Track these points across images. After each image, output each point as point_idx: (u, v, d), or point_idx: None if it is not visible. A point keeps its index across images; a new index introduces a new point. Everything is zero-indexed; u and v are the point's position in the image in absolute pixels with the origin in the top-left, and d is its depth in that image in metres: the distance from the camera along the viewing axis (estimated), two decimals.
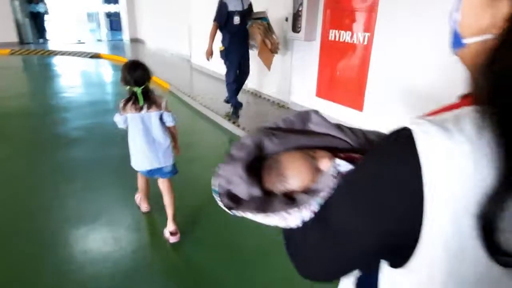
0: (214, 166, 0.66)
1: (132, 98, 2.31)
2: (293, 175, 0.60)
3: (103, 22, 17.84)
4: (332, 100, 4.69)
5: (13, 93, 6.36)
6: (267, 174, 0.62)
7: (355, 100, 4.38)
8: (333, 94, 4.67)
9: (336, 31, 4.47)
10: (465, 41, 0.50)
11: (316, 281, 0.60)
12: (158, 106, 2.37)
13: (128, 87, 2.30)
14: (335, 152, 0.63)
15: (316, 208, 0.57)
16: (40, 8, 13.77)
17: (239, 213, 0.60)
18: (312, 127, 0.68)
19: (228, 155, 0.64)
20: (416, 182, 0.43)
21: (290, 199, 0.59)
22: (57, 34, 15.56)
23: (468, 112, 0.44)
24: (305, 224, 0.58)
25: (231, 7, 4.53)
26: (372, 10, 3.96)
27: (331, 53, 4.63)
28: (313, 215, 0.57)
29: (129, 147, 2.44)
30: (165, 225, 2.57)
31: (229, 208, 0.60)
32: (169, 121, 2.41)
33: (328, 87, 4.74)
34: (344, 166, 0.60)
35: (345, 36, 4.36)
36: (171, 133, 2.51)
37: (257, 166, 0.64)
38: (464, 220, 0.41)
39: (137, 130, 2.35)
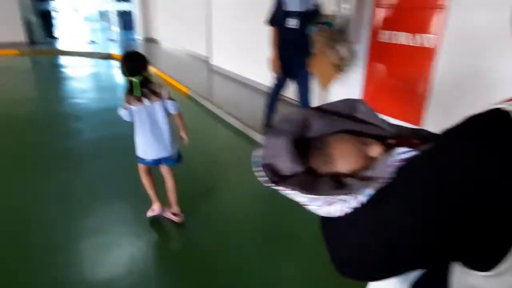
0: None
1: (134, 89, 2.25)
2: (340, 156, 0.55)
3: (115, 21, 17.38)
4: (380, 112, 4.05)
5: (20, 98, 5.83)
6: (313, 154, 0.57)
7: (412, 113, 3.74)
8: (382, 104, 4.03)
9: (390, 32, 3.84)
10: None
11: (354, 280, 0.54)
12: (159, 96, 2.33)
13: (129, 79, 2.25)
14: (384, 140, 0.57)
15: (365, 198, 0.52)
16: (48, 5, 13.34)
17: (279, 188, 0.55)
18: (359, 115, 0.62)
19: (274, 128, 0.57)
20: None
21: (338, 184, 0.53)
22: (68, 33, 15.13)
23: None
24: (353, 214, 0.52)
25: (289, 7, 3.70)
26: (440, 7, 3.32)
27: (382, 57, 3.98)
28: (359, 206, 0.52)
29: (135, 138, 2.42)
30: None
31: (272, 182, 0.54)
32: (172, 109, 2.40)
33: (376, 96, 4.11)
34: (406, 153, 0.52)
35: (402, 37, 3.73)
36: (178, 121, 2.50)
37: (301, 144, 0.57)
38: None
39: (143, 122, 2.34)
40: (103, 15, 19.31)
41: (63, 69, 8.82)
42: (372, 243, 0.48)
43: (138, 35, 13.69)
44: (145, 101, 2.29)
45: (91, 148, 3.97)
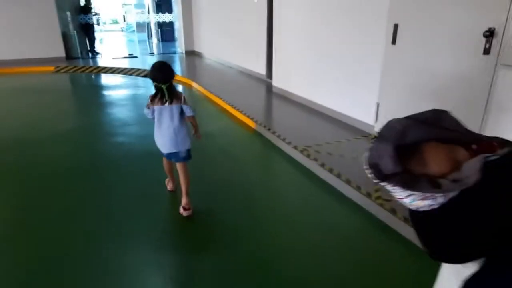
0: None
1: (158, 94, 2.65)
2: (433, 160, 0.64)
3: (155, 32, 16.60)
4: None
5: (47, 134, 4.73)
6: (410, 158, 0.65)
7: None
8: None
9: None
10: None
11: (449, 263, 0.69)
12: (178, 100, 2.69)
13: (155, 83, 2.63)
14: (468, 146, 0.65)
15: (453, 195, 0.61)
16: (90, 19, 12.60)
17: (383, 184, 0.65)
18: (445, 124, 0.67)
19: (380, 135, 0.67)
20: None
21: (434, 183, 0.62)
22: (107, 46, 14.41)
23: None
24: (445, 209, 0.62)
25: None
26: None
27: None
28: (446, 201, 0.62)
29: (154, 134, 2.80)
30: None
31: (378, 179, 0.65)
32: (188, 112, 2.74)
33: None
34: (489, 157, 0.62)
35: None
36: (192, 122, 2.87)
37: (400, 149, 0.65)
38: None
39: (161, 120, 2.71)
40: (144, 27, 18.65)
41: (99, 90, 7.77)
42: (464, 232, 0.61)
43: (180, 47, 12.67)
44: (166, 103, 2.65)
45: (132, 220, 2.70)
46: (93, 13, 12.92)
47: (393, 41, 3.71)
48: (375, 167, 0.65)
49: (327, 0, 4.81)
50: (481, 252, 0.63)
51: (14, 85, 8.00)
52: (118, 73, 9.29)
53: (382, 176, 0.64)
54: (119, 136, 4.72)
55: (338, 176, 3.19)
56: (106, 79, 9.04)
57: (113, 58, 11.50)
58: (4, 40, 10.15)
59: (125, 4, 23.43)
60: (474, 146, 0.64)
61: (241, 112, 5.26)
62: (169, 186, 3.23)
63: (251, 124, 4.88)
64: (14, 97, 6.84)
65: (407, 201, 0.64)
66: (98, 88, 8.09)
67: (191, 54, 12.05)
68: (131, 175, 3.55)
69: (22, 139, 4.54)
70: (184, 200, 2.83)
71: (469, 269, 0.65)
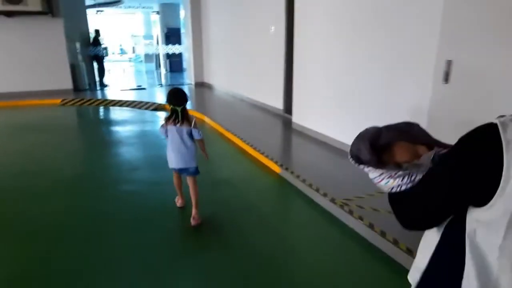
0: None
1: (173, 116, 3.03)
2: (399, 152, 0.94)
3: (164, 63, 16.46)
4: None
5: (48, 183, 4.23)
6: (383, 152, 0.96)
7: None
8: None
9: None
10: None
11: (417, 230, 0.89)
12: (189, 123, 3.05)
13: (171, 106, 3.01)
14: (427, 145, 0.95)
15: (416, 177, 0.90)
16: (99, 51, 12.43)
17: (363, 167, 0.98)
18: (413, 132, 0.98)
19: (358, 135, 0.99)
20: (498, 153, 0.69)
21: (398, 167, 0.94)
22: (115, 77, 14.20)
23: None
24: (412, 187, 0.90)
25: None
26: None
27: None
28: (409, 182, 0.90)
29: (167, 150, 3.18)
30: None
31: (357, 163, 0.98)
32: (196, 135, 3.08)
33: None
34: (440, 151, 0.91)
35: None
36: (200, 144, 3.18)
37: (375, 146, 0.96)
38: None
39: (173, 139, 3.08)
40: (152, 57, 18.57)
41: (105, 127, 7.32)
42: (428, 201, 0.84)
43: (189, 79, 12.38)
44: (178, 125, 3.03)
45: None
46: (103, 45, 12.77)
47: (445, 79, 3.23)
48: (356, 157, 0.98)
49: (358, 35, 4.39)
50: (435, 220, 0.86)
51: (17, 120, 7.60)
52: (126, 106, 8.90)
53: (361, 161, 0.97)
54: (128, 184, 4.19)
55: (395, 243, 2.63)
56: (113, 113, 8.65)
57: (121, 90, 11.19)
58: (11, 71, 9.89)
59: (134, 35, 23.56)
60: (431, 145, 0.94)
61: (262, 153, 4.75)
62: (179, 203, 3.53)
63: (275, 168, 4.36)
64: (15, 135, 6.40)
65: (383, 183, 0.95)
66: (104, 123, 7.66)
67: (201, 86, 11.73)
68: (144, 240, 3.00)
69: (19, 189, 4.03)
70: (193, 211, 3.19)
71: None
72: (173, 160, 3.13)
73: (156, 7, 17.08)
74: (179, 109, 2.99)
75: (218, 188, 3.99)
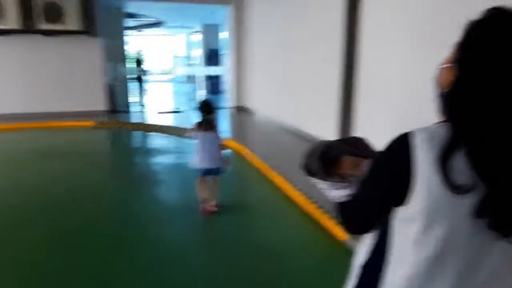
0: None
1: (203, 123, 3.51)
2: (345, 165, 1.07)
3: (203, 85, 15.93)
4: None
5: (62, 233, 3.40)
6: (332, 165, 1.07)
7: None
8: None
9: None
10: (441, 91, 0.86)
11: (358, 234, 1.03)
12: (215, 130, 3.57)
13: (202, 114, 3.52)
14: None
15: (355, 187, 0.99)
16: (141, 71, 12.01)
17: (311, 178, 1.10)
18: (360, 146, 1.12)
19: (311, 149, 1.11)
20: (409, 156, 0.80)
21: (341, 179, 1.06)
22: (153, 98, 13.76)
23: (435, 124, 0.85)
24: (350, 196, 1.00)
25: None
26: None
27: None
28: (353, 191, 1.00)
29: (196, 154, 3.57)
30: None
31: (309, 175, 1.10)
32: (218, 141, 3.58)
33: None
34: None
35: None
36: (221, 147, 3.64)
37: (326, 158, 1.08)
38: (432, 169, 0.77)
39: (203, 143, 3.51)
40: (191, 79, 18.19)
41: (136, 156, 6.54)
42: (361, 204, 0.96)
43: (229, 102, 11.60)
44: (207, 130, 3.51)
45: None
46: (144, 67, 12.38)
47: None
48: (307, 168, 1.10)
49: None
50: (370, 221, 0.96)
51: (43, 144, 7.02)
52: (161, 132, 8.16)
53: (312, 173, 1.09)
54: (165, 244, 3.26)
55: None
56: (146, 139, 7.94)
57: (158, 113, 10.58)
58: (46, 91, 9.55)
59: (176, 57, 23.53)
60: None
61: (318, 207, 3.67)
62: (211, 206, 3.74)
63: (339, 233, 3.23)
64: (36, 163, 5.74)
65: (331, 194, 1.07)
66: (135, 152, 6.88)
67: (241, 110, 10.89)
68: None
69: (24, 242, 3.21)
70: (214, 202, 3.73)
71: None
72: (205, 161, 3.56)
73: (197, 28, 16.74)
74: (209, 118, 3.50)
75: (258, 260, 2.96)
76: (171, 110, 10.99)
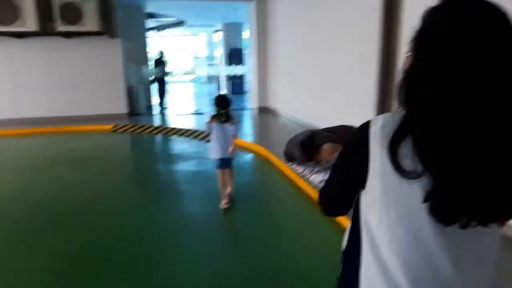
0: None
1: (218, 115, 3.72)
2: (325, 152, 1.12)
3: (224, 85, 15.54)
4: None
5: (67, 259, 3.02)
6: (314, 151, 1.15)
7: None
8: None
9: None
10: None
11: (334, 216, 1.42)
12: (231, 121, 3.78)
13: (217, 108, 3.73)
14: None
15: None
16: (159, 72, 11.73)
17: (292, 165, 1.19)
18: (347, 133, 1.08)
19: (294, 136, 1.19)
20: (366, 143, 0.82)
21: (318, 164, 1.15)
22: (174, 99, 13.48)
23: (391, 112, 0.85)
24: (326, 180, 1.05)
25: None
26: None
27: None
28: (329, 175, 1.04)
29: (211, 144, 3.83)
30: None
31: (289, 161, 1.19)
32: (232, 130, 3.78)
33: None
34: None
35: None
36: (232, 139, 3.81)
37: (309, 145, 1.17)
38: (384, 155, 0.78)
39: (217, 134, 3.73)
40: (213, 79, 17.85)
41: (156, 163, 6.15)
42: (331, 188, 1.01)
43: (252, 103, 11.14)
44: (221, 123, 3.72)
45: None
46: (166, 68, 12.09)
47: None
48: (289, 155, 1.16)
49: None
50: (343, 203, 0.98)
51: (59, 149, 6.75)
52: (181, 135, 7.78)
53: (292, 159, 1.16)
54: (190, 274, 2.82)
55: None
56: (166, 143, 7.58)
57: (177, 115, 10.25)
58: (65, 94, 9.35)
59: (197, 57, 23.30)
60: None
61: None
62: (224, 203, 3.88)
63: None
64: (48, 171, 5.44)
65: (311, 179, 1.15)
66: (155, 158, 6.47)
67: (264, 111, 10.40)
68: None
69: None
70: (229, 194, 3.94)
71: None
72: (218, 152, 3.74)
73: (218, 27, 16.37)
74: (222, 111, 3.69)
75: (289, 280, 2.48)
76: (192, 112, 10.63)
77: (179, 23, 14.97)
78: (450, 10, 0.75)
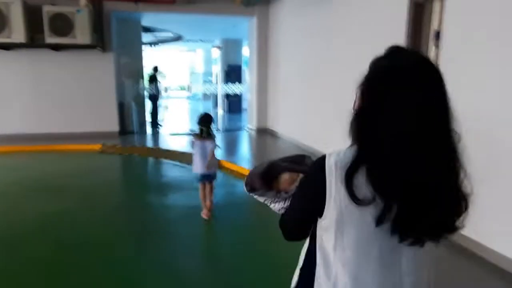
0: None
1: (200, 133, 3.94)
2: (284, 182, 1.19)
3: (221, 103, 15.05)
4: None
5: None
6: (274, 181, 1.21)
7: None
8: None
9: None
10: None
11: (294, 240, 1.11)
12: (211, 139, 3.99)
13: (199, 126, 3.95)
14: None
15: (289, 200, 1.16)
16: (153, 90, 11.20)
17: (254, 195, 1.22)
18: (304, 163, 1.22)
19: (253, 168, 1.24)
20: (324, 176, 0.92)
21: (278, 194, 1.19)
22: (167, 117, 12.93)
23: (345, 148, 0.95)
24: (285, 208, 1.16)
25: None
26: None
27: None
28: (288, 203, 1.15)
29: (193, 160, 4.06)
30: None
31: (249, 191, 1.22)
32: (211, 148, 3.96)
33: None
34: None
35: None
36: (210, 153, 3.98)
37: (268, 174, 1.22)
38: (339, 186, 0.89)
39: (198, 151, 3.96)
40: (209, 96, 17.38)
41: (145, 193, 5.44)
42: (292, 216, 1.10)
43: (250, 123, 10.61)
44: (203, 140, 3.95)
45: None
46: (159, 84, 11.58)
47: None
48: (250, 185, 1.22)
49: None
50: (302, 229, 1.08)
51: (39, 173, 6.10)
52: (173, 159, 7.17)
53: (252, 189, 1.21)
54: None
55: None
56: (157, 168, 6.98)
57: (171, 135, 9.68)
58: (52, 110, 8.78)
59: (193, 72, 22.89)
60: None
61: None
62: (205, 213, 4.13)
63: None
64: (24, 200, 4.82)
65: (272, 207, 1.21)
66: (143, 188, 5.67)
67: (263, 133, 9.87)
68: None
69: None
70: (208, 205, 4.16)
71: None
72: (199, 167, 3.99)
73: (216, 42, 15.97)
74: (204, 129, 3.94)
75: None
76: (186, 132, 10.05)
77: (176, 38, 14.54)
78: (391, 61, 0.92)
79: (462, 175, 0.88)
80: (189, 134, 9.72)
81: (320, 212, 0.94)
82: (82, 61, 8.73)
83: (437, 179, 0.85)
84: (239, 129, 10.85)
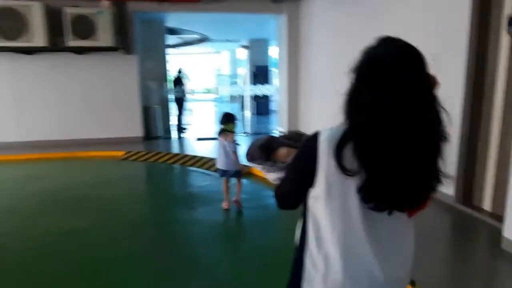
0: None
1: (222, 132, 4.23)
2: (280, 154, 1.34)
3: (249, 105, 14.48)
4: None
5: None
6: (272, 153, 1.36)
7: None
8: None
9: None
10: None
11: (286, 209, 1.21)
12: (231, 138, 4.21)
13: (222, 125, 4.25)
14: None
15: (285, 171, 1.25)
16: (181, 92, 10.78)
17: (253, 163, 1.38)
18: (299, 139, 1.29)
19: (256, 140, 1.41)
20: (315, 149, 1.02)
21: (274, 163, 1.35)
22: (194, 120, 12.50)
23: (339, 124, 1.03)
24: (281, 178, 1.25)
25: None
26: None
27: None
28: (283, 174, 1.24)
29: (217, 156, 4.40)
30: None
31: (249, 161, 1.40)
32: (231, 148, 4.20)
33: None
34: None
35: None
36: (233, 155, 4.22)
37: (267, 148, 1.37)
38: (330, 158, 1.00)
39: (221, 148, 4.26)
40: (236, 98, 16.88)
41: (170, 208, 4.87)
42: (286, 185, 1.19)
43: (280, 126, 10.00)
44: (224, 138, 4.20)
45: None
46: (184, 87, 11.17)
47: None
48: (250, 155, 1.37)
49: None
50: (295, 198, 1.17)
51: (56, 184, 5.66)
52: (200, 166, 6.65)
53: (252, 159, 1.36)
54: None
55: None
56: (184, 177, 6.49)
57: (197, 139, 9.19)
58: (75, 116, 8.47)
59: (220, 75, 22.48)
60: None
61: None
62: (225, 205, 4.39)
63: None
64: (38, 216, 4.40)
65: (268, 177, 1.34)
66: (167, 200, 5.15)
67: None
68: None
69: None
70: (236, 199, 4.43)
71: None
72: (221, 163, 4.27)
73: (243, 43, 15.45)
74: (226, 128, 4.20)
75: None
76: (213, 137, 9.52)
77: (202, 40, 14.12)
78: (378, 50, 1.02)
79: (441, 151, 0.99)
80: (215, 139, 9.22)
81: (311, 182, 1.06)
82: (104, 64, 8.39)
83: (416, 153, 0.96)
84: (268, 132, 10.24)
